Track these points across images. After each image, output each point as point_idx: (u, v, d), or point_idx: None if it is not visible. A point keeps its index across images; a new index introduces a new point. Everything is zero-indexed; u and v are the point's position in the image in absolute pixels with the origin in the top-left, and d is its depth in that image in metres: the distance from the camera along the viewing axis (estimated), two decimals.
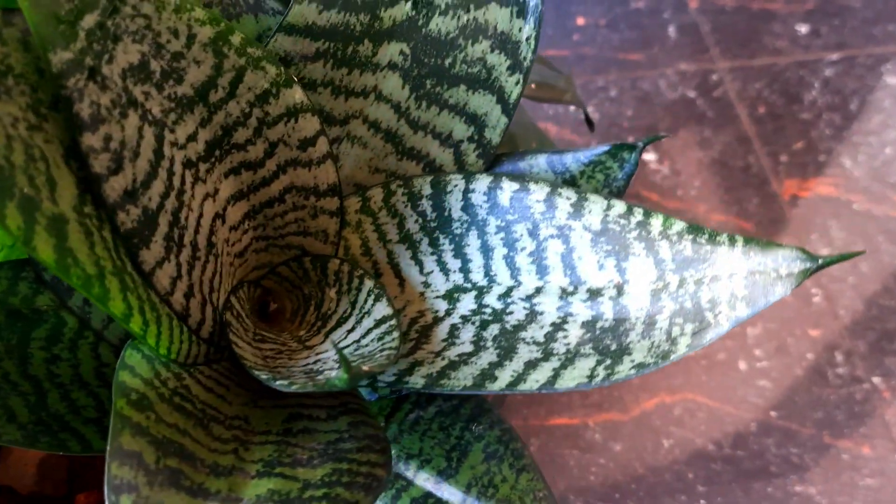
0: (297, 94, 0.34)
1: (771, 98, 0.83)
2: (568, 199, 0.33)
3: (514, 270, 0.34)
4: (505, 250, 0.35)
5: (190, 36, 0.30)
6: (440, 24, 0.36)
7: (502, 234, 0.35)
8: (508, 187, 0.34)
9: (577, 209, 0.33)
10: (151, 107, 0.30)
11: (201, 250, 0.34)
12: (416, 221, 0.37)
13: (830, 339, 0.72)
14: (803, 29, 0.87)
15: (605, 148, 0.37)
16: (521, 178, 0.34)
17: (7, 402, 0.33)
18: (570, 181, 0.38)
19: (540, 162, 0.39)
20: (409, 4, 0.36)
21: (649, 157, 0.80)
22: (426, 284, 0.36)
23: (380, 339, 0.33)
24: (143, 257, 0.30)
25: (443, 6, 0.36)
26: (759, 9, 0.88)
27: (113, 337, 0.36)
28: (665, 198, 0.78)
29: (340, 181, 0.38)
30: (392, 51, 0.36)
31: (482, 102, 0.38)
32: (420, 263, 0.37)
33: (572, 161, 0.38)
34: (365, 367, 0.28)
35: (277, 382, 0.31)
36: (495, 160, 0.39)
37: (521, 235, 0.34)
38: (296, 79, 0.34)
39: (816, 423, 0.69)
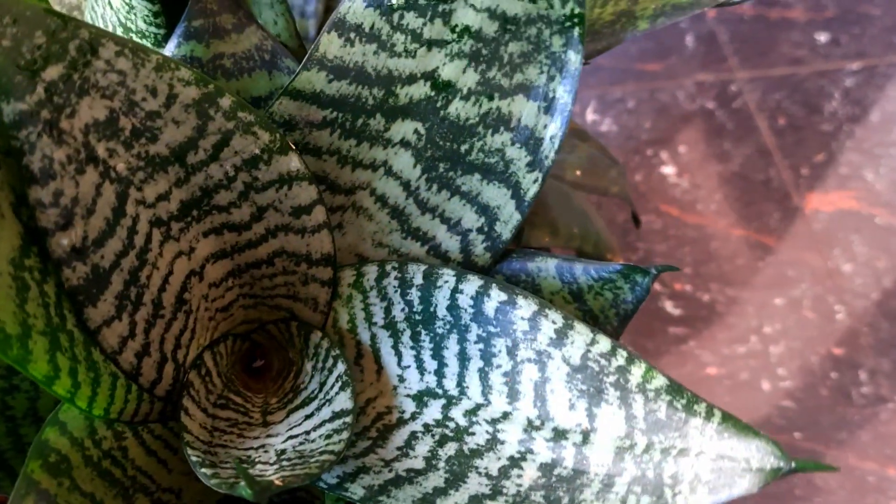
0: (292, 162, 0.32)
1: (791, 109, 0.81)
2: (553, 322, 0.31)
3: (486, 387, 0.32)
4: (481, 363, 0.32)
5: (170, 96, 0.28)
6: (460, 109, 0.34)
7: (482, 346, 0.32)
8: (496, 297, 0.32)
9: (560, 337, 0.30)
10: (116, 164, 0.28)
11: (166, 308, 0.32)
12: (403, 310, 0.34)
13: (854, 358, 0.71)
14: (823, 38, 0.85)
15: (617, 267, 0.34)
16: (511, 288, 0.31)
17: None
18: (577, 293, 0.35)
19: (549, 266, 0.36)
20: (428, 85, 0.33)
21: (668, 170, 0.79)
22: (401, 379, 0.34)
23: (328, 436, 0.31)
24: (89, 315, 0.29)
25: (465, 91, 0.34)
26: (777, 17, 0.86)
27: None
28: (685, 212, 0.76)
29: (340, 249, 0.36)
30: (406, 129, 0.34)
31: (496, 195, 0.35)
32: (399, 355, 0.34)
33: (582, 273, 0.35)
34: (278, 481, 0.26)
35: (202, 469, 0.29)
36: (505, 254, 0.37)
37: (500, 352, 0.31)
38: (293, 146, 0.32)
39: (841, 444, 0.68)
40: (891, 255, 0.75)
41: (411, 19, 0.32)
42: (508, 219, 0.35)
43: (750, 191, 0.78)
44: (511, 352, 0.31)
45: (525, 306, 0.31)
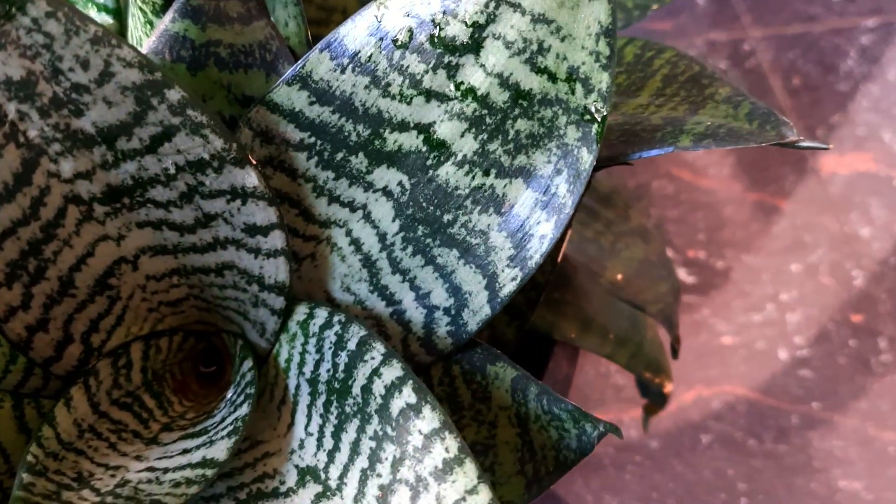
0: (248, 178, 0.29)
1: (805, 68, 0.77)
2: (446, 451, 0.26)
3: (360, 494, 0.27)
4: (366, 464, 0.28)
5: (105, 73, 0.26)
6: (451, 175, 0.29)
7: (374, 445, 0.28)
8: (406, 396, 0.27)
9: (446, 470, 0.26)
10: (27, 129, 0.26)
11: (80, 288, 0.30)
12: (328, 371, 0.30)
13: (873, 325, 0.69)
14: None
15: (568, 407, 0.29)
16: (424, 393, 0.27)
17: None
18: (523, 418, 0.30)
19: (507, 377, 0.31)
20: (420, 138, 0.29)
21: None
22: (301, 445, 0.30)
23: (175, 485, 0.28)
24: None
25: (459, 157, 0.29)
26: None
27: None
28: (698, 176, 0.73)
29: (311, 281, 0.33)
30: (390, 177, 0.30)
31: (470, 279, 0.30)
32: (310, 418, 0.31)
33: (534, 399, 0.30)
34: None
35: (24, 473, 0.26)
36: (471, 344, 0.32)
37: (386, 459, 0.27)
38: (254, 161, 0.29)
39: (861, 414, 0.65)
40: None
41: (413, 62, 0.28)
42: (478, 310, 0.31)
43: (765, 154, 0.74)
44: (395, 465, 0.27)
45: (429, 419, 0.27)
